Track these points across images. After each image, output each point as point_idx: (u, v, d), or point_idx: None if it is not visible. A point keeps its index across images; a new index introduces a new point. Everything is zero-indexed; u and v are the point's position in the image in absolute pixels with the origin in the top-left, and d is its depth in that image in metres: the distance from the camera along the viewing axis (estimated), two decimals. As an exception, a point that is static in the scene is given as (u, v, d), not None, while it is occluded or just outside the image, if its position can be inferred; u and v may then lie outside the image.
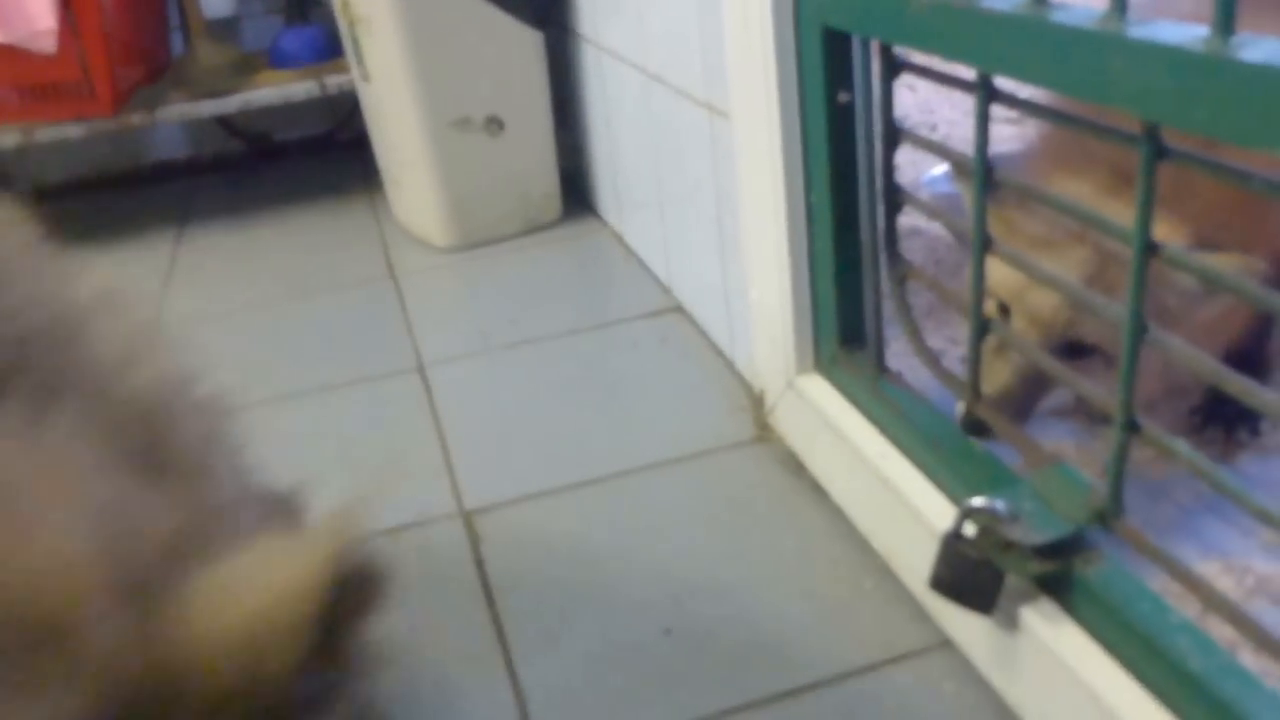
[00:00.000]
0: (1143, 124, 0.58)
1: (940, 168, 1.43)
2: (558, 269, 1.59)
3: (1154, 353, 0.63)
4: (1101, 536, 0.70)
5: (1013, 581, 0.72)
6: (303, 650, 0.35)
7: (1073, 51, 0.59)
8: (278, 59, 1.94)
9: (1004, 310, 0.89)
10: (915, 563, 0.84)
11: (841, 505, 0.97)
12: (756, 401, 1.13)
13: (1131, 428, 0.65)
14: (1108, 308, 0.65)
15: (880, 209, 0.87)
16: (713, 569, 0.94)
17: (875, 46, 0.82)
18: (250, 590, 0.36)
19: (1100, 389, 0.70)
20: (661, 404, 1.20)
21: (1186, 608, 0.66)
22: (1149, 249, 0.60)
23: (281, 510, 0.58)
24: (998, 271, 0.86)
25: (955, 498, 0.81)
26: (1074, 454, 0.96)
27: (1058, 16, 0.59)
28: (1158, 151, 0.58)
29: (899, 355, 1.03)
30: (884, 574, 0.89)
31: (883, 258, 0.88)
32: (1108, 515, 0.68)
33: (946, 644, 0.82)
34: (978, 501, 0.71)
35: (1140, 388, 0.64)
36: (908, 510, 0.84)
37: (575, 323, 1.41)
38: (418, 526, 1.04)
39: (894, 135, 0.82)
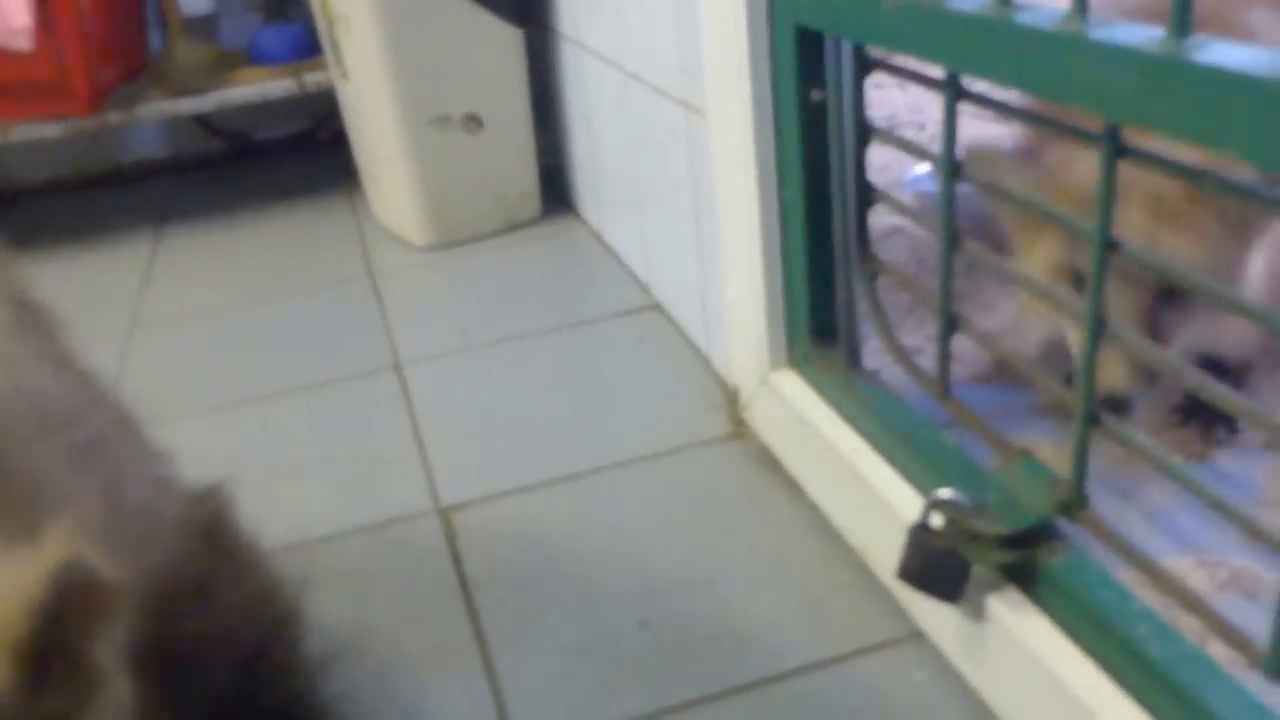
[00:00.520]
0: (1104, 123, 0.59)
1: (924, 166, 1.44)
2: (536, 267, 1.60)
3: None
4: (1068, 528, 0.71)
5: (979, 571, 0.73)
6: (23, 666, 0.34)
7: (1035, 52, 0.60)
8: (257, 56, 1.94)
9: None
10: (887, 556, 0.85)
11: (815, 500, 0.98)
12: (731, 398, 1.14)
13: (1092, 420, 0.66)
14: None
15: (852, 206, 0.88)
16: (688, 563, 0.95)
17: (847, 45, 0.83)
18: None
19: (1063, 387, 0.71)
20: (638, 401, 1.21)
21: (1155, 600, 0.68)
22: (1109, 246, 0.62)
23: (196, 510, 0.58)
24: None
25: (926, 491, 0.82)
26: (1050, 450, 0.97)
27: (1021, 17, 0.60)
28: (1117, 150, 0.59)
29: (875, 353, 1.04)
30: (857, 567, 0.91)
31: (855, 255, 0.90)
32: (1072, 507, 0.69)
33: (917, 635, 0.83)
34: (944, 493, 0.73)
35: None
36: (880, 504, 0.85)
37: (554, 321, 1.42)
38: (395, 523, 1.05)
39: (865, 133, 0.84)
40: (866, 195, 0.86)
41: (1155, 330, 0.91)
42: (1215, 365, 1.03)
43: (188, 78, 1.85)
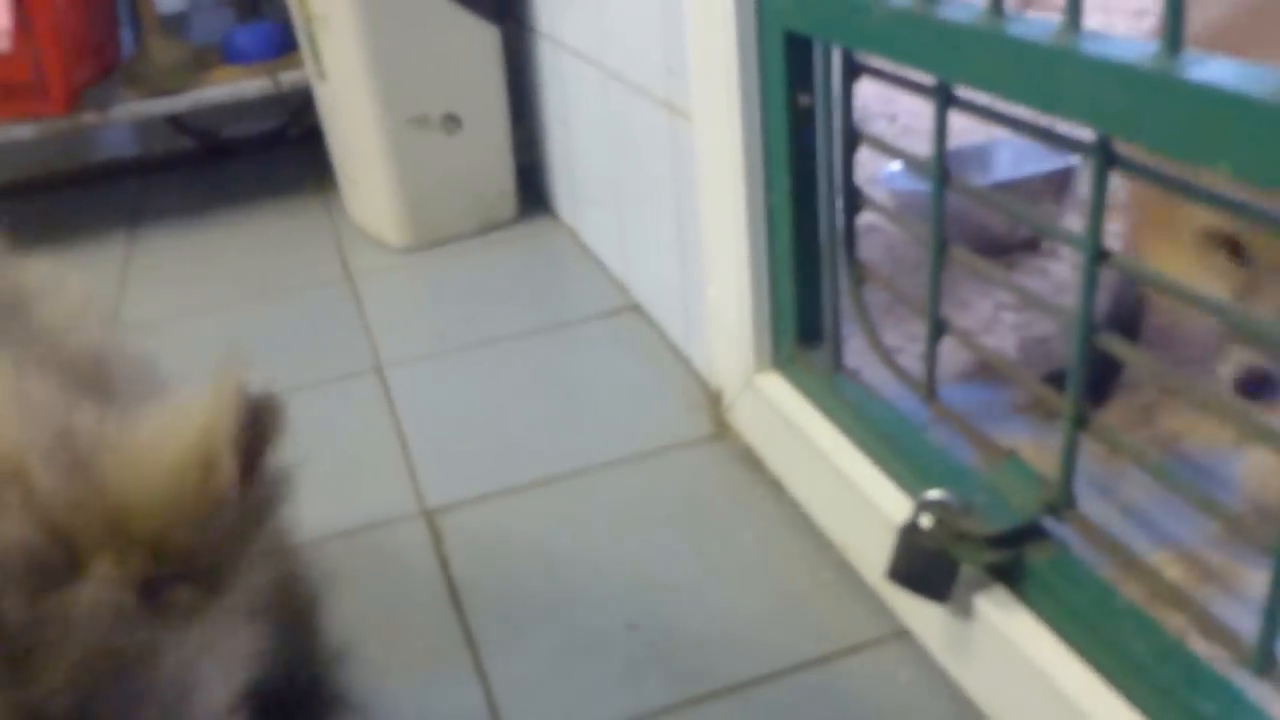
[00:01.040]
0: (1095, 134, 0.60)
1: (897, 163, 1.45)
2: (514, 268, 1.60)
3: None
4: (1054, 527, 0.73)
5: (967, 571, 0.75)
6: (224, 477, 0.40)
7: (1027, 63, 0.61)
8: (232, 55, 1.92)
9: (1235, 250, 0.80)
10: (872, 555, 0.87)
11: (799, 500, 0.99)
12: (714, 399, 1.15)
13: (1080, 422, 0.68)
14: None
15: (839, 210, 0.89)
16: (674, 564, 0.95)
17: (836, 51, 0.84)
18: (171, 429, 0.41)
19: (1050, 388, 0.73)
20: (620, 402, 1.22)
21: (1136, 594, 0.69)
22: (1100, 256, 0.63)
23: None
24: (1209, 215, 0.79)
25: (911, 492, 0.83)
26: (1031, 449, 0.98)
27: (1014, 29, 0.61)
28: (1108, 160, 0.61)
29: (856, 353, 1.05)
30: (841, 567, 0.92)
31: (841, 258, 0.91)
32: (1059, 506, 0.71)
33: (903, 633, 0.84)
34: (933, 494, 0.74)
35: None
36: (864, 504, 0.87)
37: (533, 322, 1.42)
38: (380, 527, 1.05)
39: (854, 138, 0.85)
40: (854, 200, 0.87)
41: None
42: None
43: (163, 77, 1.84)
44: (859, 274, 0.89)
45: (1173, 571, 0.83)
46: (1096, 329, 0.65)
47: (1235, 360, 0.82)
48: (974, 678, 0.77)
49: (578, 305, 1.45)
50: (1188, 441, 1.00)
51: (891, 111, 1.86)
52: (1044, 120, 0.65)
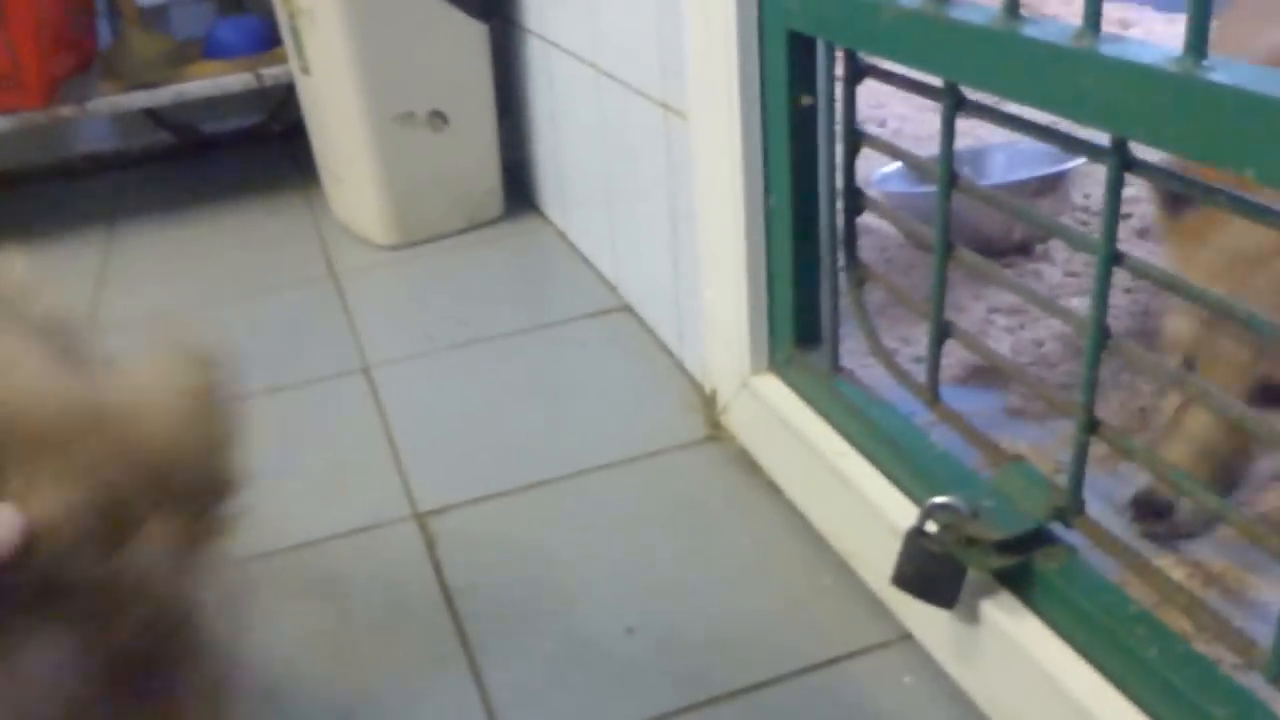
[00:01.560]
0: (1111, 137, 0.60)
1: (891, 165, 1.45)
2: (502, 267, 1.59)
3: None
4: (1061, 532, 0.72)
5: (974, 576, 0.74)
6: (220, 428, 0.46)
7: (1044, 66, 0.60)
8: (213, 49, 1.89)
9: (1189, 364, 0.86)
10: (874, 559, 0.86)
11: (797, 504, 0.98)
12: (708, 401, 1.14)
13: (1091, 428, 0.67)
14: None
15: (840, 212, 0.88)
16: (671, 568, 0.94)
17: (840, 51, 0.84)
18: (159, 393, 0.46)
19: (1057, 388, 0.72)
20: (612, 404, 1.20)
21: (1144, 599, 0.69)
22: (1114, 258, 0.63)
23: None
24: (1176, 321, 0.84)
25: (913, 496, 0.83)
26: (1029, 454, 0.98)
27: (1029, 31, 0.61)
28: (1125, 164, 0.60)
29: (850, 355, 1.05)
30: (842, 571, 0.91)
31: (842, 260, 0.90)
32: (1068, 512, 0.70)
33: (906, 638, 0.84)
34: (940, 499, 0.73)
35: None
36: (866, 508, 0.86)
37: (522, 322, 1.41)
38: (372, 530, 1.03)
39: (855, 140, 0.84)
40: (856, 201, 0.86)
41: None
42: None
43: (143, 70, 1.81)
44: (860, 275, 0.89)
45: (1177, 576, 0.83)
46: (1109, 332, 0.65)
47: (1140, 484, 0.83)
48: (979, 682, 0.76)
49: (567, 305, 1.44)
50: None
51: (881, 116, 1.85)
52: (1048, 122, 0.65)
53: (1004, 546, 0.71)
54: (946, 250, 0.76)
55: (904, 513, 0.81)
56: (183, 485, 0.44)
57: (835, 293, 0.93)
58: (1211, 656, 0.66)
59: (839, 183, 0.89)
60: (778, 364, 1.01)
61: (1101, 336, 0.64)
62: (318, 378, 1.32)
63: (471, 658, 0.86)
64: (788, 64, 0.87)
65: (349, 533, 1.03)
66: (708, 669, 0.83)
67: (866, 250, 1.41)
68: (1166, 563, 0.85)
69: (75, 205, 2.06)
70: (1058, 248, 1.37)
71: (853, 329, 0.93)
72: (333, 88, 1.60)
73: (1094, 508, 0.71)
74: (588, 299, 1.44)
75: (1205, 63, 0.52)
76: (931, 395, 0.83)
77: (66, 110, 1.74)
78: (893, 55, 0.73)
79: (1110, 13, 2.10)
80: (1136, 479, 0.88)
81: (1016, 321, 1.24)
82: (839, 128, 0.88)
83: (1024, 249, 1.37)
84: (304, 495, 1.10)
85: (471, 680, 0.84)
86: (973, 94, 0.71)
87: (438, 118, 1.62)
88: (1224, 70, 0.51)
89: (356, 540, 1.02)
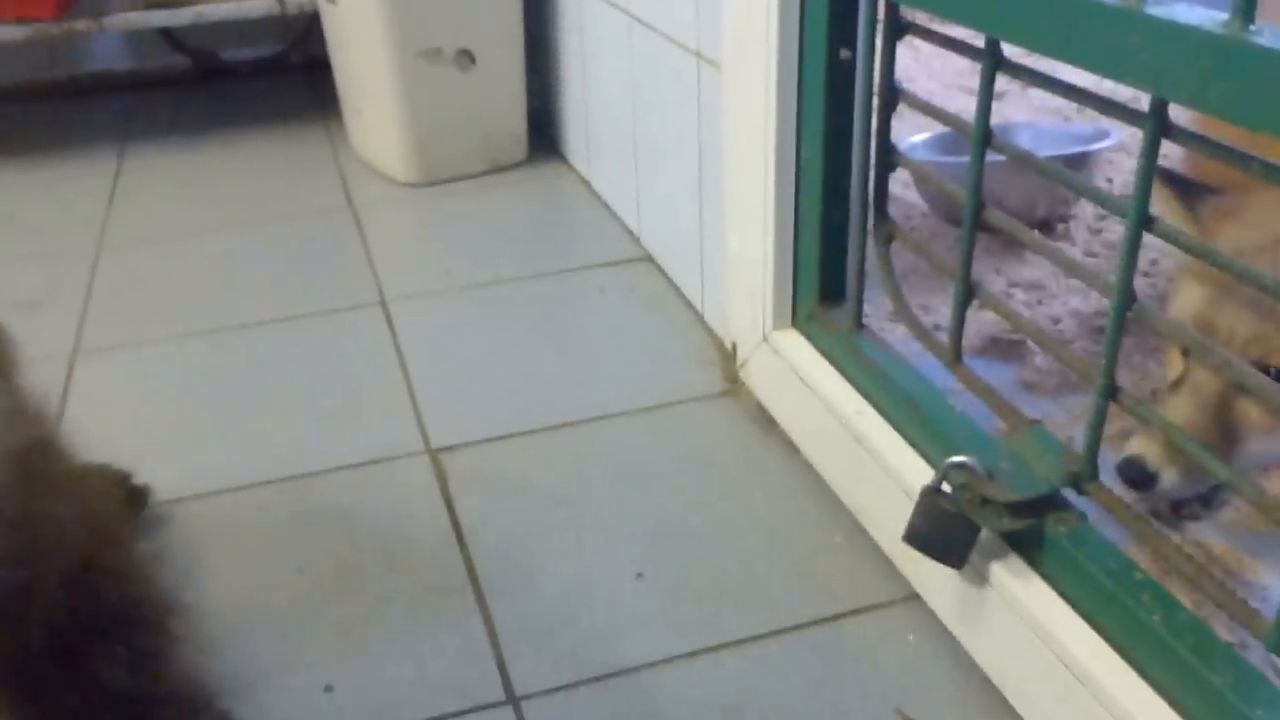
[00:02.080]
0: (1152, 100, 0.59)
1: (920, 135, 1.44)
2: (523, 211, 1.58)
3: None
4: (1073, 499, 0.73)
5: (984, 539, 0.75)
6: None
7: (1089, 25, 0.60)
8: (238, -25, 1.87)
9: (1185, 353, 0.85)
10: (886, 519, 0.87)
11: (812, 461, 0.99)
12: (727, 355, 1.14)
13: (1111, 393, 0.67)
14: None
15: (872, 169, 0.88)
16: (682, 517, 0.95)
17: (881, 5, 0.83)
18: None
19: (1079, 356, 0.72)
20: (629, 353, 1.21)
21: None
22: (1145, 222, 0.62)
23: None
24: (1176, 302, 0.84)
25: (930, 457, 0.83)
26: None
27: (1079, -12, 0.60)
28: (1162, 129, 0.60)
29: (871, 318, 1.04)
30: (853, 529, 0.92)
31: (871, 218, 0.90)
32: (1082, 478, 0.70)
33: (912, 598, 0.84)
34: (958, 458, 0.73)
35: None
36: (881, 468, 0.86)
37: (540, 266, 1.40)
38: (384, 463, 1.04)
39: (893, 96, 0.83)
40: (889, 158, 0.86)
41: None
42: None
43: (165, -10, 1.79)
44: (888, 232, 0.88)
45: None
46: (1135, 296, 0.64)
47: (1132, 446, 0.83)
48: (983, 644, 0.77)
49: (588, 253, 1.43)
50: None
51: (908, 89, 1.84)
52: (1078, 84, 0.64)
53: (1017, 509, 0.71)
54: (978, 209, 0.76)
55: (919, 474, 0.81)
56: None
57: (862, 250, 0.93)
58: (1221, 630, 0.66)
59: (872, 140, 0.88)
60: (800, 320, 1.01)
61: (1128, 300, 0.64)
62: (333, 309, 1.32)
63: (479, 592, 0.87)
64: (828, 16, 0.86)
65: (360, 464, 1.04)
66: (714, 617, 0.84)
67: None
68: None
69: (87, 123, 2.05)
70: (1079, 228, 1.37)
71: (876, 291, 0.93)
72: (358, 20, 1.58)
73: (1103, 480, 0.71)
74: (609, 247, 1.43)
75: (1253, 27, 0.51)
76: (954, 357, 0.83)
77: (81, 24, 1.72)
78: (936, 9, 0.72)
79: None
80: (1124, 447, 0.88)
81: (1034, 297, 1.23)
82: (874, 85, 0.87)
83: (1046, 226, 1.36)
84: (316, 425, 1.11)
85: (478, 614, 0.85)
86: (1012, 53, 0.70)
87: (465, 57, 1.60)
88: (1271, 35, 0.50)
89: (368, 472, 1.03)
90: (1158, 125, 0.60)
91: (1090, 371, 0.68)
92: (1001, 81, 0.75)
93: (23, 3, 1.66)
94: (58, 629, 0.56)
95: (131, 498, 0.97)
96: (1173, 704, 0.63)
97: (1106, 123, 1.43)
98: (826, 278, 0.97)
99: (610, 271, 1.38)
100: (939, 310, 1.19)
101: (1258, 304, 0.79)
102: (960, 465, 0.73)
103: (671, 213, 1.30)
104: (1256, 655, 0.68)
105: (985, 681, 0.76)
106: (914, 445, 0.85)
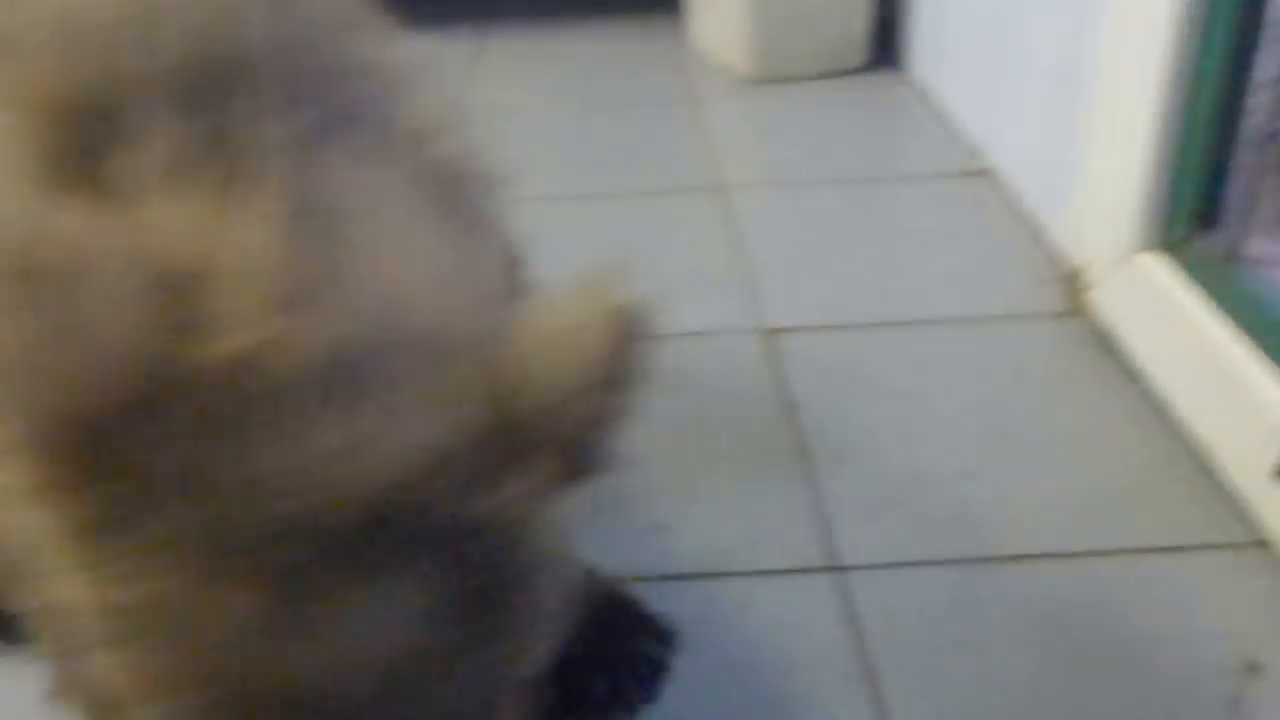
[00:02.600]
0: None
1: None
2: (860, 116, 1.57)
3: None
4: None
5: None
6: (613, 389, 0.40)
7: None
8: None
9: None
10: (1243, 458, 0.82)
11: (1161, 391, 0.94)
12: (1070, 276, 1.10)
13: None
14: None
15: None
16: (1015, 426, 0.94)
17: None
18: (562, 331, 0.41)
19: None
20: (963, 263, 1.18)
21: None
22: None
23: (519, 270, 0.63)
24: None
25: (1309, 397, 0.78)
26: None
27: None
28: None
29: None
30: (1200, 465, 0.87)
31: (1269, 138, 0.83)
32: None
33: (1260, 544, 0.80)
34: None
35: None
36: (1247, 404, 0.81)
37: (877, 171, 1.39)
38: (719, 335, 1.08)
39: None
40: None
41: None
42: None
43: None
44: (1295, 158, 0.82)
45: None
46: None
47: None
48: (1346, 598, 0.72)
49: (923, 162, 1.41)
50: None
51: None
52: None
53: None
54: None
55: (1293, 413, 0.76)
56: (559, 437, 0.40)
57: (1256, 173, 0.87)
58: None
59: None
60: (1169, 243, 0.96)
61: None
62: (673, 190, 1.37)
63: (809, 467, 0.90)
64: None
65: (697, 334, 1.08)
66: (1042, 526, 0.83)
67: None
68: None
69: (443, 7, 2.17)
70: None
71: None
72: (724, -88, 1.60)
73: None
74: (947, 159, 1.40)
75: None
76: (1356, 295, 0.76)
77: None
78: None
79: None
80: None
81: None
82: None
83: None
84: (654, 293, 1.16)
85: (807, 487, 0.88)
86: None
87: (821, -46, 1.59)
88: None
89: (703, 342, 1.07)
90: None
91: None
92: None
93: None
94: None
95: None
96: None
97: None
98: (1204, 200, 0.91)
99: (947, 183, 1.35)
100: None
101: None
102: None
103: (1022, 126, 1.25)
104: None
105: (1344, 639, 0.72)
106: (1292, 384, 0.80)
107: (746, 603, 0.78)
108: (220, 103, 0.41)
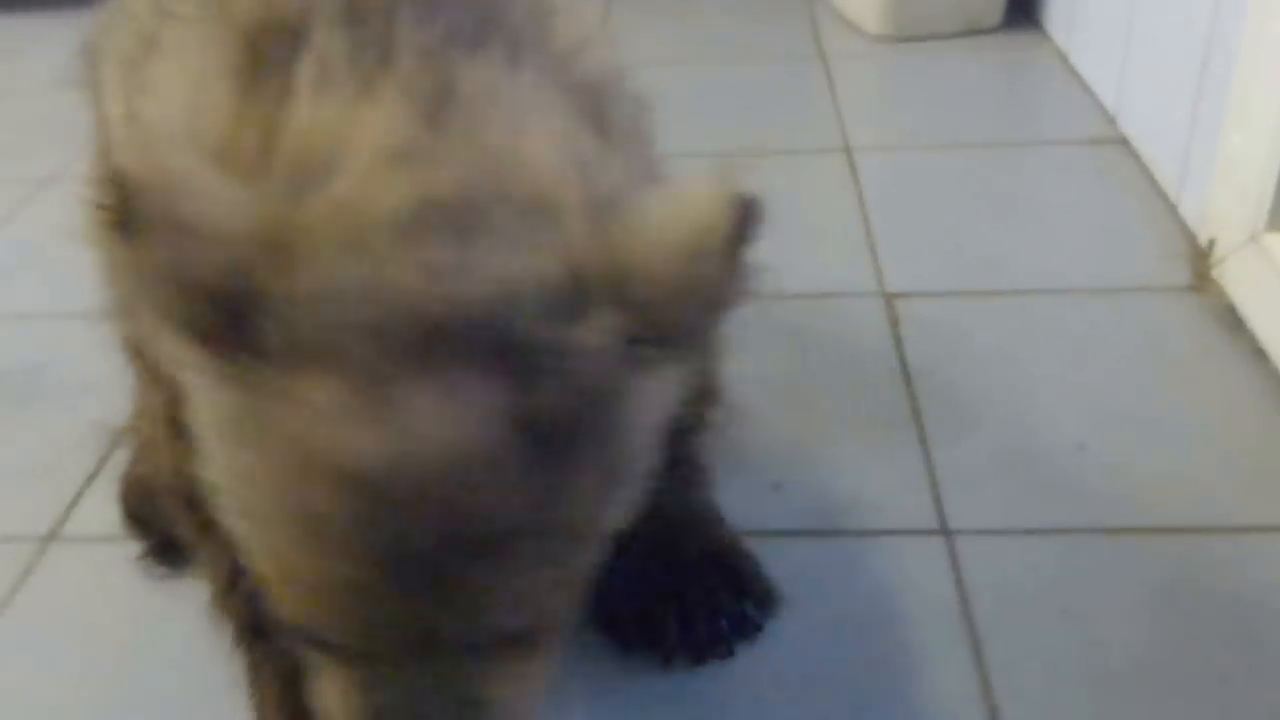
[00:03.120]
0: None
1: None
2: (993, 78, 1.55)
3: None
4: None
5: None
6: (714, 268, 0.43)
7: None
8: None
9: None
10: (1368, 444, 0.82)
11: (1285, 371, 0.94)
12: (1198, 251, 1.09)
13: None
14: None
15: None
16: (1130, 401, 0.94)
17: None
18: (674, 211, 0.44)
19: None
20: (1090, 233, 1.18)
21: None
22: None
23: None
24: None
25: None
26: None
27: None
28: None
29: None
30: (1322, 448, 0.87)
31: None
32: None
33: (1384, 529, 0.80)
34: None
35: None
36: (1376, 390, 0.81)
37: (1006, 135, 1.38)
38: (840, 297, 1.10)
39: None
40: None
41: None
42: None
43: None
44: None
45: None
46: None
47: None
48: None
49: (1057, 128, 1.39)
50: None
51: None
52: None
53: None
54: None
55: None
56: (653, 301, 0.43)
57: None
58: None
59: None
60: (1305, 224, 0.95)
61: None
62: (797, 149, 1.39)
63: (922, 431, 0.92)
64: None
65: (816, 295, 1.11)
66: (1156, 501, 0.84)
67: None
68: None
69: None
70: None
71: None
72: None
73: None
74: (1080, 125, 1.39)
75: None
76: None
77: None
78: None
79: None
80: None
81: None
82: None
83: None
84: (774, 251, 1.18)
85: (920, 451, 0.90)
86: None
87: (961, -89, 1.57)
88: None
89: (822, 303, 1.09)
90: None
91: None
92: None
93: None
94: None
95: None
96: None
97: None
98: (1349, 184, 0.90)
99: (1078, 150, 1.34)
100: None
101: None
102: None
103: (1160, 97, 1.23)
104: None
105: None
106: None
107: (856, 561, 0.81)
108: (374, 16, 0.49)
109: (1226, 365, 0.97)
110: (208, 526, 0.56)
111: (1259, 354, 0.97)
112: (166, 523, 0.72)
